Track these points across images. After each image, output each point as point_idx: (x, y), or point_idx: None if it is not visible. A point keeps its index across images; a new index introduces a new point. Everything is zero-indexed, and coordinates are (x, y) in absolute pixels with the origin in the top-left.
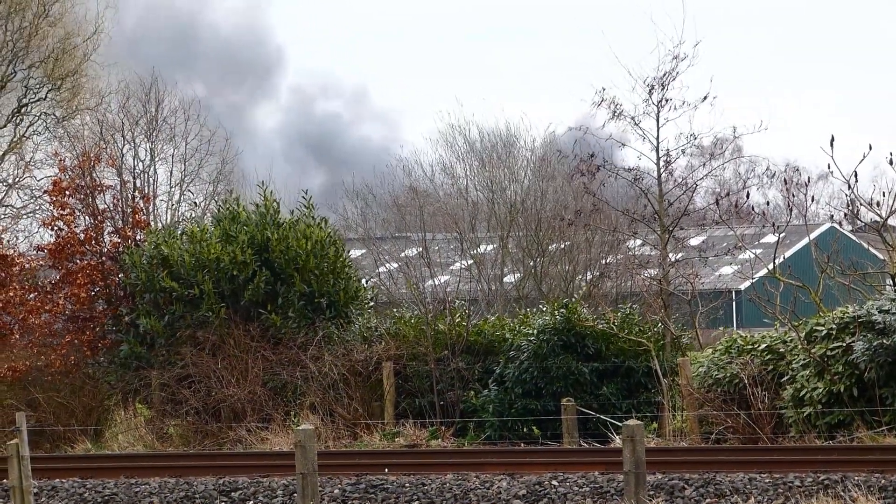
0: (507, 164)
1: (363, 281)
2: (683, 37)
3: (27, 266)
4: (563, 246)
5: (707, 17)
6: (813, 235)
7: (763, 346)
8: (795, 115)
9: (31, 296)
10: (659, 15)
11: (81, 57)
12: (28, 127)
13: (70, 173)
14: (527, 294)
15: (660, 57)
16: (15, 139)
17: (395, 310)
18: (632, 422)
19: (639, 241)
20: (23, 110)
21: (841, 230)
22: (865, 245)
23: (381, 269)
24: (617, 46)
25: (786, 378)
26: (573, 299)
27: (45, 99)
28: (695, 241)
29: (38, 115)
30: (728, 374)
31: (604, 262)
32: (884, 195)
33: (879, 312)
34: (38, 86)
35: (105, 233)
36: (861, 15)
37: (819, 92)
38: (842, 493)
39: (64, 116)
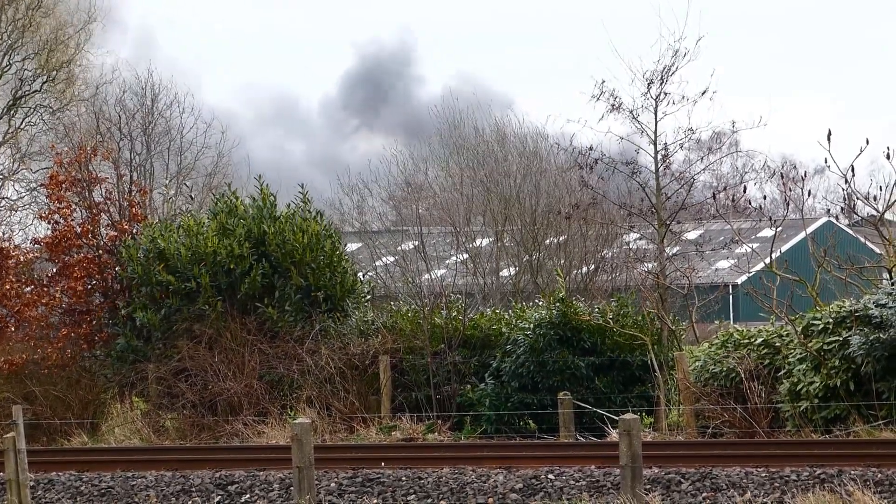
0: (499, 158)
1: (360, 275)
2: (685, 32)
3: (23, 259)
4: (558, 240)
5: (719, 16)
6: (810, 230)
7: (760, 340)
8: (793, 111)
9: (28, 289)
10: (665, 10)
11: (75, 47)
12: (24, 119)
13: (66, 167)
14: (523, 288)
15: (660, 51)
16: (10, 131)
17: (391, 303)
18: (628, 416)
19: (635, 235)
20: (18, 102)
21: (838, 224)
22: (862, 239)
23: (378, 262)
24: (618, 40)
25: (782, 372)
26: (558, 288)
27: (39, 91)
28: (692, 235)
29: (34, 106)
30: (724, 369)
31: (600, 255)
32: (881, 189)
33: (876, 306)
34: (32, 77)
35: (102, 226)
36: (860, 14)
37: (818, 89)
38: (838, 488)
39: (59, 107)
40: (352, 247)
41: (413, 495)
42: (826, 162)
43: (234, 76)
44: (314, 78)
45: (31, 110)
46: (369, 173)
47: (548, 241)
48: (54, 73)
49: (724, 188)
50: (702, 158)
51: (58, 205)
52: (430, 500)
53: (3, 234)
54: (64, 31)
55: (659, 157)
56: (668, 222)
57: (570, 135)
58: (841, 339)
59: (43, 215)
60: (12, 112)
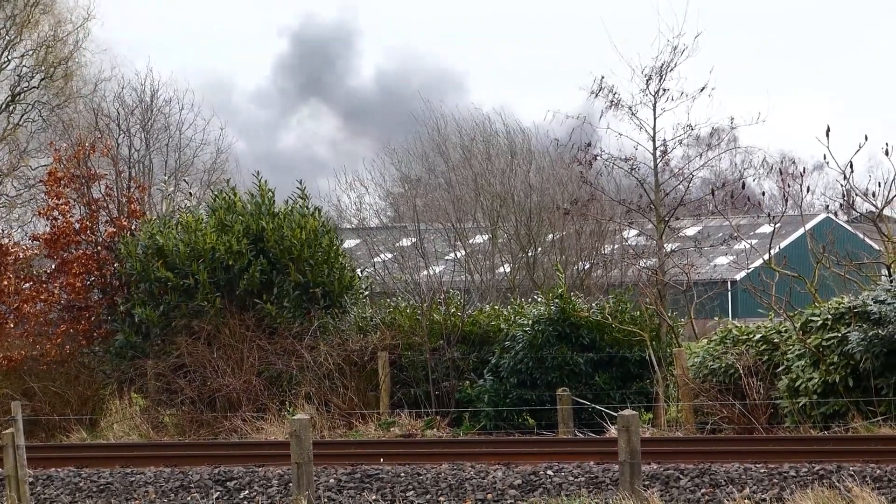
0: (487, 156)
1: (358, 271)
2: (684, 29)
3: (22, 255)
4: (553, 237)
5: (718, 15)
6: (808, 226)
7: (758, 336)
8: (792, 109)
9: (27, 285)
10: (664, 7)
11: (73, 45)
12: (22, 116)
13: (65, 164)
14: (519, 284)
15: (659, 47)
16: (8, 127)
17: (389, 300)
18: (627, 412)
19: (633, 231)
20: (16, 99)
21: (836, 220)
22: (861, 235)
23: (377, 259)
24: (617, 39)
25: (781, 368)
26: (557, 284)
27: (38, 87)
28: (690, 232)
29: (32, 103)
30: (723, 365)
31: (599, 252)
32: (879, 185)
33: (875, 303)
34: (30, 74)
35: (100, 222)
36: (860, 13)
37: (818, 87)
38: (837, 483)
39: (58, 104)
40: (350, 243)
41: (412, 491)
42: (825, 158)
43: (165, 63)
44: (248, 64)
45: (30, 107)
46: (364, 171)
47: (543, 238)
48: (52, 70)
49: (723, 184)
50: (700, 155)
51: (56, 201)
52: (428, 497)
53: (3, 230)
54: (62, 28)
55: (657, 153)
56: (666, 219)
57: (553, 130)
58: (840, 335)
59: (41, 211)
60: (11, 108)
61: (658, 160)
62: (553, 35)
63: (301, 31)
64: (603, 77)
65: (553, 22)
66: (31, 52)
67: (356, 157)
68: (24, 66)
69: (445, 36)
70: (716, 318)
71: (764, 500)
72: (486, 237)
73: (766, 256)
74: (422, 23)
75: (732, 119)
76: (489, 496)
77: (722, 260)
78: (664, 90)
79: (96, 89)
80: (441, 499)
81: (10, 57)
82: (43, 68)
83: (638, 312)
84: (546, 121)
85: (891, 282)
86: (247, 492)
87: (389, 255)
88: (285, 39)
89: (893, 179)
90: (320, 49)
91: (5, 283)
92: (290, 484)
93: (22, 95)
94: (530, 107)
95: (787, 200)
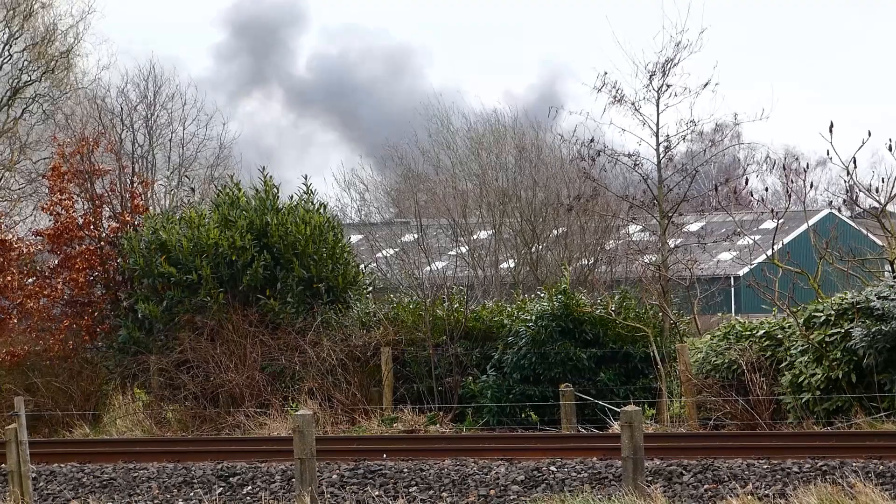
0: (494, 150)
1: (361, 266)
2: (688, 24)
3: (25, 251)
4: (557, 232)
5: (719, 11)
6: (812, 221)
7: (761, 332)
8: (794, 106)
9: (30, 280)
10: (668, 2)
11: (74, 37)
12: (23, 110)
13: (69, 160)
14: (522, 280)
15: (662, 43)
16: (9, 120)
17: (392, 295)
18: (630, 407)
19: (637, 227)
20: (18, 93)
21: (840, 216)
22: (864, 231)
23: (379, 254)
24: (621, 34)
25: (784, 364)
26: (562, 280)
27: (39, 81)
28: (694, 227)
29: (33, 96)
30: (726, 360)
31: (603, 247)
32: (882, 181)
33: (878, 298)
34: (31, 69)
35: (103, 218)
36: (859, 13)
37: (818, 84)
38: (840, 480)
39: (58, 97)
40: (353, 239)
41: (415, 487)
42: (828, 154)
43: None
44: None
45: (30, 100)
46: (362, 168)
47: (548, 234)
48: (53, 62)
49: (726, 180)
50: (704, 150)
51: (60, 196)
52: (431, 492)
53: (6, 226)
54: (63, 22)
55: (661, 149)
56: (670, 214)
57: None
58: (843, 331)
59: (45, 207)
60: (11, 103)
61: (661, 156)
62: (553, 32)
63: (244, 12)
64: (606, 73)
65: (553, 19)
66: (31, 46)
67: (310, 146)
68: (24, 59)
69: (443, 30)
70: (719, 314)
71: (767, 495)
72: (489, 232)
73: (770, 252)
74: (419, 21)
75: (736, 115)
76: (492, 492)
77: (725, 256)
78: (667, 86)
79: (97, 79)
80: (444, 494)
81: (10, 52)
82: (43, 61)
83: (643, 309)
84: (549, 117)
85: (894, 277)
86: (250, 487)
87: (392, 251)
88: (228, 24)
89: None
90: (268, 33)
91: (9, 278)
92: (293, 479)
93: (23, 90)
94: (532, 105)
95: (790, 196)
